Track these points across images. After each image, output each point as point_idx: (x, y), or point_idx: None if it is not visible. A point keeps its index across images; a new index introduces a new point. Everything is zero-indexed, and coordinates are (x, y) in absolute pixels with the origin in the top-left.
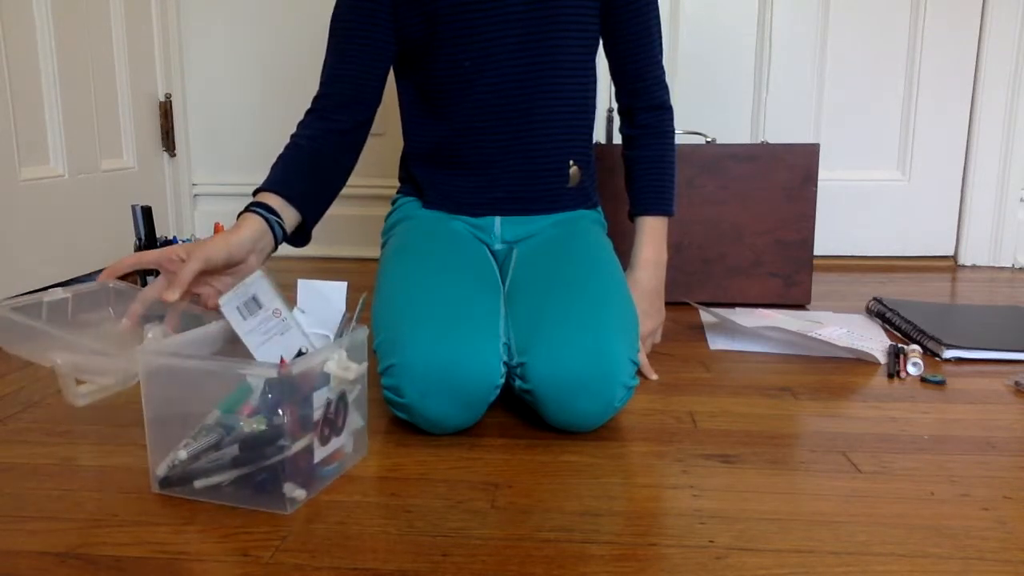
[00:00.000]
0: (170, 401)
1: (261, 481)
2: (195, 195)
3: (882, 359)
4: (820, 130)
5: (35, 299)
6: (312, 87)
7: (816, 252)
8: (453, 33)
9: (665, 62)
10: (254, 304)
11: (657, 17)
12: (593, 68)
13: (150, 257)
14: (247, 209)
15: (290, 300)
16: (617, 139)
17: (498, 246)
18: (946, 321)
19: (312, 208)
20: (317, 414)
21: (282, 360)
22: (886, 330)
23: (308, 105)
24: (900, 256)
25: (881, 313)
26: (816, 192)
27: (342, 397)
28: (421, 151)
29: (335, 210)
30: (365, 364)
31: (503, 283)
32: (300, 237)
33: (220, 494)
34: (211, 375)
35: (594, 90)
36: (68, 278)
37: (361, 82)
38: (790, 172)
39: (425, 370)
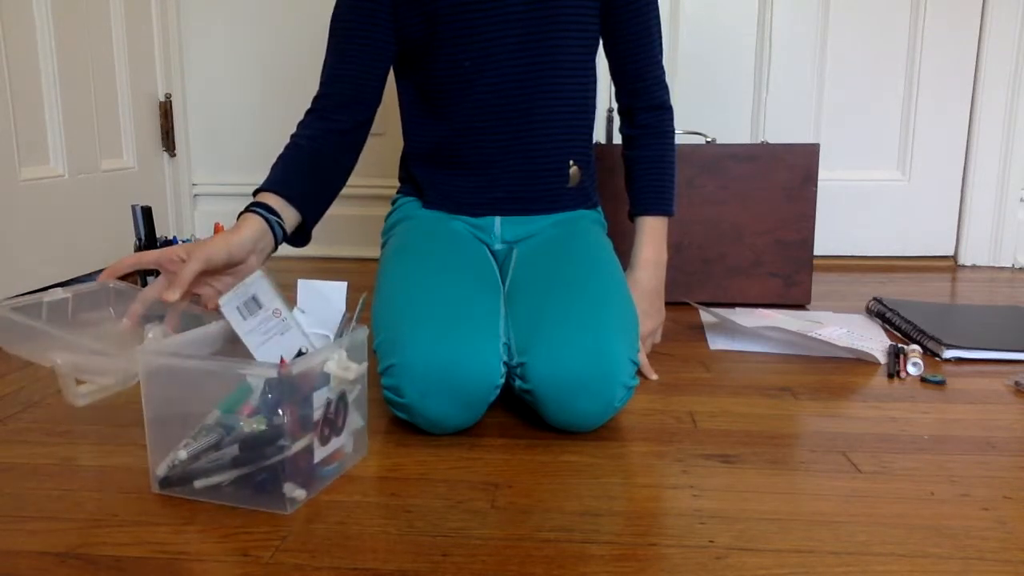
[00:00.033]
0: (170, 401)
1: (261, 481)
2: (195, 195)
3: (882, 359)
4: (820, 130)
5: (35, 299)
6: (312, 87)
7: (816, 252)
8: (453, 33)
9: (665, 62)
10: (254, 304)
11: (657, 17)
12: (593, 68)
13: (150, 257)
14: (247, 209)
15: (290, 300)
16: (617, 139)
17: (498, 246)
18: (946, 321)
19: (312, 208)
20: (317, 414)
21: (282, 360)
22: (886, 330)
23: (308, 105)
24: (900, 256)
25: (881, 313)
26: (816, 192)
27: (342, 397)
28: (421, 151)
29: (335, 210)
30: (365, 364)
31: (503, 283)
32: (300, 237)
33: (220, 494)
34: (211, 375)
35: (594, 90)
36: (68, 278)
37: (361, 82)
38: (790, 172)
39: (425, 370)
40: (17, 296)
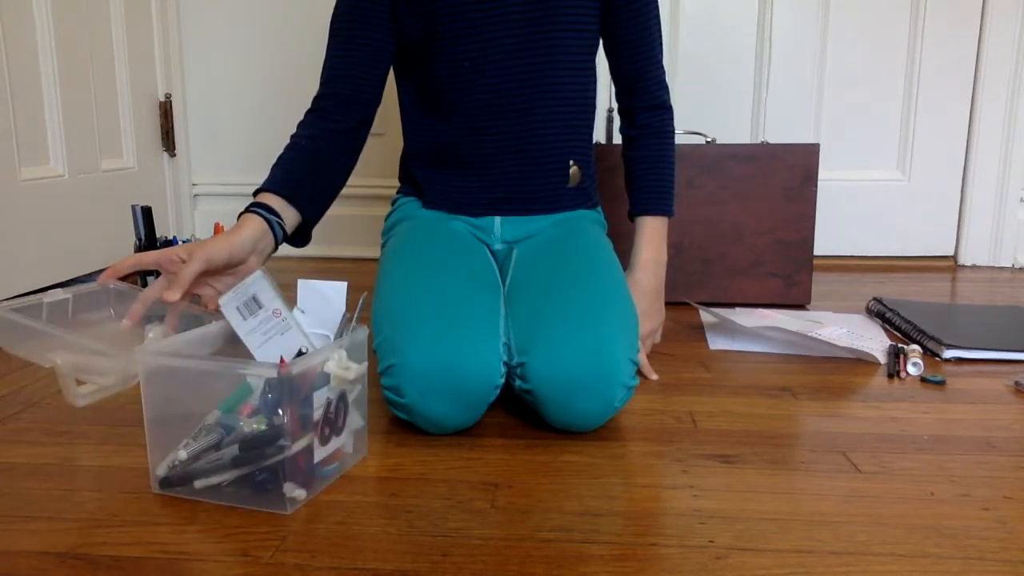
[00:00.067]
0: (170, 401)
1: (261, 481)
2: (195, 195)
3: (882, 359)
4: (820, 130)
5: (35, 299)
6: (312, 87)
7: (816, 252)
8: (452, 33)
9: (665, 62)
10: (254, 304)
11: (657, 17)
12: (593, 68)
13: (150, 258)
14: (247, 209)
15: (290, 300)
16: (617, 139)
17: (498, 246)
18: (946, 321)
19: (312, 208)
20: (317, 414)
21: (282, 360)
22: (886, 330)
23: (308, 105)
24: (900, 256)
25: (881, 313)
26: (816, 192)
27: (342, 397)
28: (421, 151)
29: (335, 210)
30: (365, 364)
31: (503, 283)
32: (300, 237)
33: (220, 494)
34: (211, 375)
35: (594, 90)
36: (68, 278)
37: (361, 82)
38: (790, 172)
39: (425, 370)
40: (17, 296)
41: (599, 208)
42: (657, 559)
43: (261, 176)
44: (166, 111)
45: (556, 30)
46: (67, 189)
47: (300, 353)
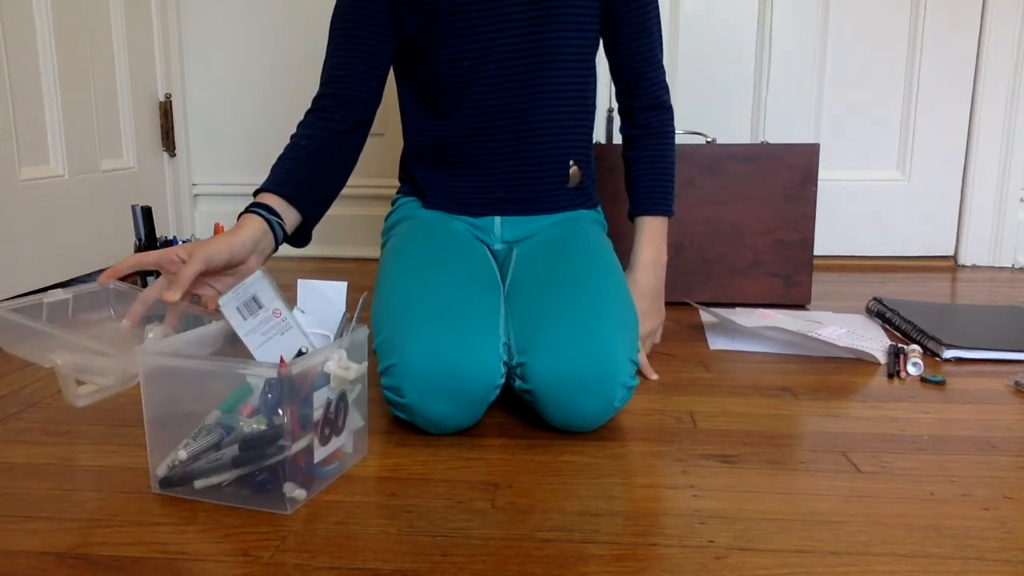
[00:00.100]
0: (170, 401)
1: (261, 481)
2: (195, 195)
3: (882, 359)
4: (820, 130)
5: (35, 300)
6: (312, 87)
7: (816, 252)
8: (452, 33)
9: (665, 62)
10: (254, 304)
11: (657, 17)
12: (593, 68)
13: (151, 258)
14: (247, 210)
15: (290, 300)
16: (617, 139)
17: (498, 246)
18: (946, 321)
19: (312, 208)
20: (317, 414)
21: (282, 360)
22: (886, 330)
23: (308, 105)
24: (900, 256)
25: (881, 313)
26: (816, 192)
27: (342, 397)
28: (421, 151)
29: (335, 210)
30: (365, 364)
31: (503, 283)
32: (301, 237)
33: (220, 494)
34: (211, 375)
35: (594, 90)
36: (68, 278)
37: (361, 82)
38: (790, 172)
39: (425, 370)
40: (17, 296)
41: (599, 208)
42: (657, 559)
43: (261, 176)
44: (166, 111)
45: (556, 30)
46: (67, 189)
47: (300, 353)
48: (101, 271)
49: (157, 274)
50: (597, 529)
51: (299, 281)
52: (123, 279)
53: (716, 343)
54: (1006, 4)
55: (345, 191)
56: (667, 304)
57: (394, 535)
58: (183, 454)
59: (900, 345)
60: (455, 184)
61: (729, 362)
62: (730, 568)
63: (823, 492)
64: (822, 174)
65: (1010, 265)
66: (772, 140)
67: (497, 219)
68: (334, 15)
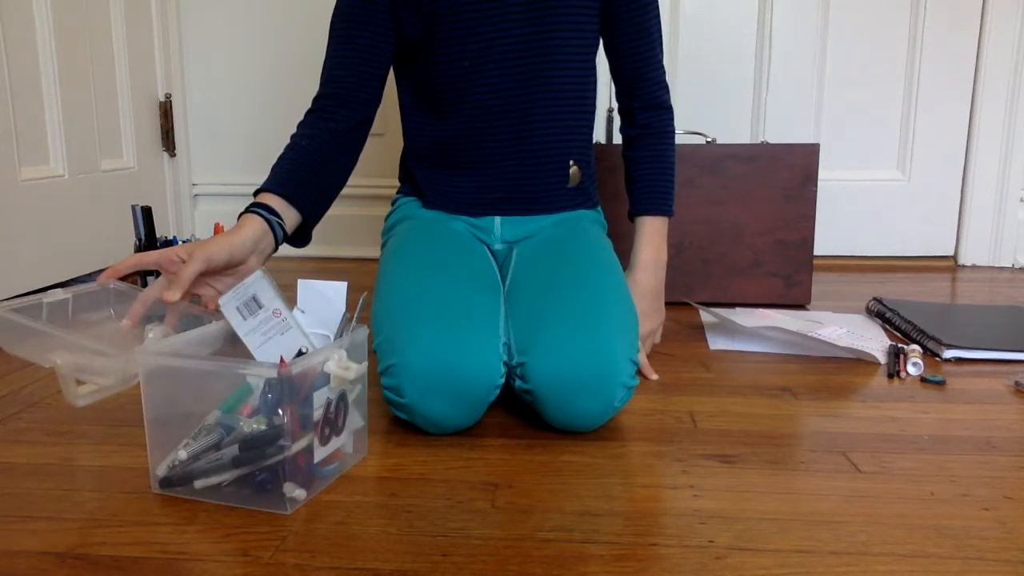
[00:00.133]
0: (170, 401)
1: (261, 481)
2: (195, 195)
3: (882, 359)
4: (820, 130)
5: (35, 300)
6: (312, 87)
7: (816, 252)
8: (452, 33)
9: (665, 62)
10: (254, 304)
11: (657, 17)
12: (593, 68)
13: (151, 258)
14: (248, 210)
15: (290, 300)
16: (617, 139)
17: (498, 246)
18: (946, 321)
19: (313, 208)
20: (317, 414)
21: (282, 360)
22: (886, 330)
23: (308, 105)
24: (900, 256)
25: (881, 313)
26: (816, 192)
27: (342, 397)
28: (421, 151)
29: (335, 210)
30: (365, 364)
31: (503, 283)
32: (301, 237)
33: (220, 494)
34: (211, 375)
35: (594, 90)
36: (68, 278)
37: (361, 82)
38: (790, 172)
39: (425, 370)
40: (17, 296)
41: (599, 208)
42: (657, 559)
43: (261, 176)
44: (166, 111)
45: (556, 30)
46: (67, 189)
47: (300, 353)
48: (101, 271)
49: (157, 274)
50: (597, 529)
51: (299, 281)
52: (123, 279)
53: (716, 343)
54: (1006, 4)
55: (345, 191)
56: (667, 304)
57: (394, 535)
58: (183, 454)
59: (900, 345)
60: (455, 184)
61: (729, 362)
62: (730, 568)
63: (823, 492)
64: (822, 174)
65: (1010, 265)
66: (772, 140)
67: (497, 219)
68: (334, 15)
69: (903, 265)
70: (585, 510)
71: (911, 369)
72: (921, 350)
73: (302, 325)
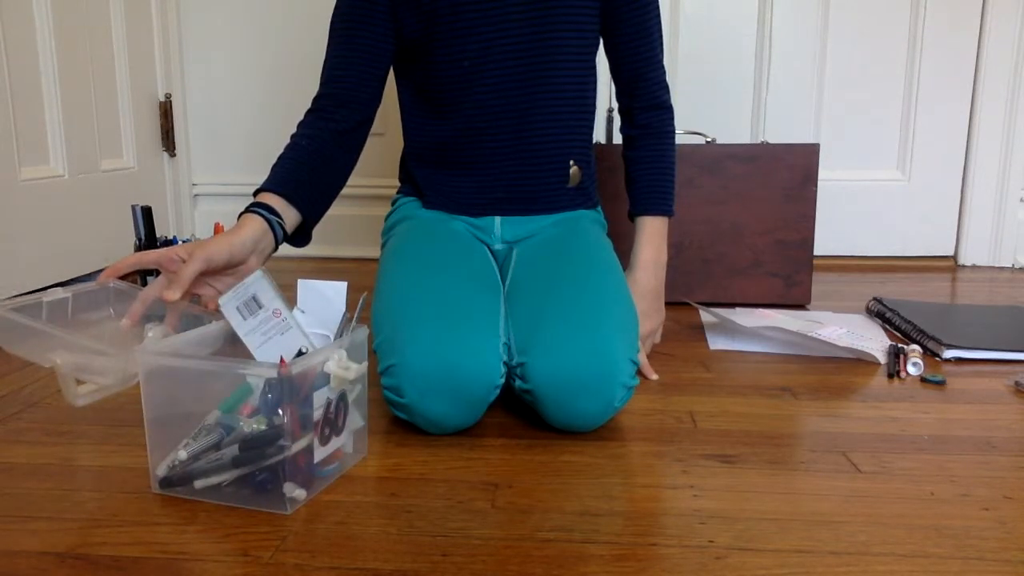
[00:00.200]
0: (170, 401)
1: (261, 481)
2: (195, 195)
3: (882, 359)
4: (820, 130)
5: (35, 299)
6: (312, 87)
7: (816, 252)
8: (452, 33)
9: (665, 62)
10: (254, 304)
11: (657, 16)
12: (593, 68)
13: (151, 257)
14: (248, 209)
15: (290, 300)
16: (617, 139)
17: (498, 246)
18: (946, 321)
19: (313, 208)
20: (317, 414)
21: (282, 360)
22: (886, 330)
23: (308, 105)
24: (900, 256)
25: (881, 313)
26: (816, 192)
27: (342, 397)
28: (421, 151)
29: (335, 210)
30: (365, 364)
31: (503, 283)
32: (301, 237)
33: (220, 494)
34: (211, 375)
35: (594, 90)
36: (68, 278)
37: (361, 81)
38: (790, 172)
39: (425, 370)
40: (17, 296)
41: (599, 208)
42: (657, 559)
43: (261, 176)
44: (166, 111)
45: (556, 30)
46: (67, 189)
47: (300, 353)
48: (101, 271)
49: (157, 273)
50: (597, 529)
51: (299, 281)
52: (123, 278)
53: (716, 343)
54: (1006, 4)
55: (345, 191)
56: (667, 304)
57: (394, 535)
58: (183, 454)
59: (900, 345)
60: (455, 184)
61: (729, 362)
62: (730, 568)
63: (823, 492)
64: (822, 174)
65: (1010, 265)
66: (772, 140)
67: (497, 219)
68: (334, 15)
69: (903, 265)
70: (585, 510)
71: (911, 369)
72: (921, 350)
73: (302, 325)
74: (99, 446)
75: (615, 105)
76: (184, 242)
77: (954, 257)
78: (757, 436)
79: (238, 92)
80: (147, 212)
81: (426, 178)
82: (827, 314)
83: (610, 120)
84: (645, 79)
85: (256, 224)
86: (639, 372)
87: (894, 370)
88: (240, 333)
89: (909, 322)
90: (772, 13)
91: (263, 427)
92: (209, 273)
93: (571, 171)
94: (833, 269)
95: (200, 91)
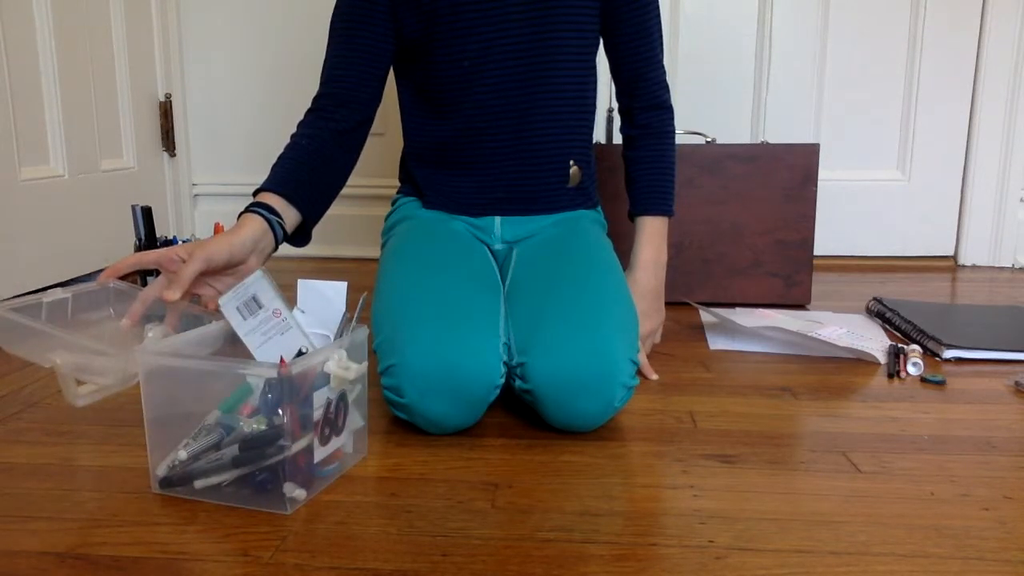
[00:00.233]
0: (170, 401)
1: (261, 481)
2: (195, 195)
3: (882, 359)
4: (820, 130)
5: (35, 299)
6: (312, 87)
7: (816, 252)
8: (452, 33)
9: (665, 62)
10: (254, 304)
11: (657, 17)
12: (593, 68)
13: (151, 257)
14: (248, 209)
15: (290, 300)
16: (617, 139)
17: (498, 246)
18: (946, 321)
19: (313, 208)
20: (317, 414)
21: (282, 360)
22: (886, 330)
23: (308, 105)
24: (900, 256)
25: (881, 313)
26: (816, 192)
27: (342, 397)
28: (421, 151)
29: (335, 210)
30: (365, 364)
31: (503, 283)
32: (300, 237)
33: (220, 494)
34: (211, 375)
35: (594, 90)
36: (68, 278)
37: (361, 81)
38: (790, 172)
39: (425, 370)
40: (17, 296)
41: (599, 208)
42: (657, 559)
43: (261, 176)
44: (166, 111)
45: (556, 30)
46: (67, 189)
47: (300, 353)
48: (101, 271)
49: (157, 273)
50: (597, 529)
51: (299, 281)
52: (123, 278)
53: (716, 343)
54: (1006, 4)
55: (345, 191)
56: (667, 304)
57: (394, 535)
58: (183, 454)
59: (900, 345)
60: (455, 184)
61: (729, 362)
62: (730, 568)
63: (823, 492)
64: (822, 174)
65: (1010, 265)
66: (772, 140)
67: (497, 219)
68: (334, 15)
69: (903, 265)
70: (585, 510)
71: (911, 369)
72: (921, 350)
73: (302, 325)
74: (99, 446)
75: (615, 105)
76: (184, 242)
77: (954, 257)
78: (757, 436)
79: (238, 92)
80: (147, 212)
81: (426, 178)
82: (827, 314)
83: (610, 120)
84: (645, 79)
85: (256, 224)
86: (639, 372)
87: (894, 370)
88: (240, 333)
89: (909, 322)
90: (772, 13)
91: (263, 427)
92: (209, 273)
93: (571, 171)
94: (833, 269)
95: (200, 91)
